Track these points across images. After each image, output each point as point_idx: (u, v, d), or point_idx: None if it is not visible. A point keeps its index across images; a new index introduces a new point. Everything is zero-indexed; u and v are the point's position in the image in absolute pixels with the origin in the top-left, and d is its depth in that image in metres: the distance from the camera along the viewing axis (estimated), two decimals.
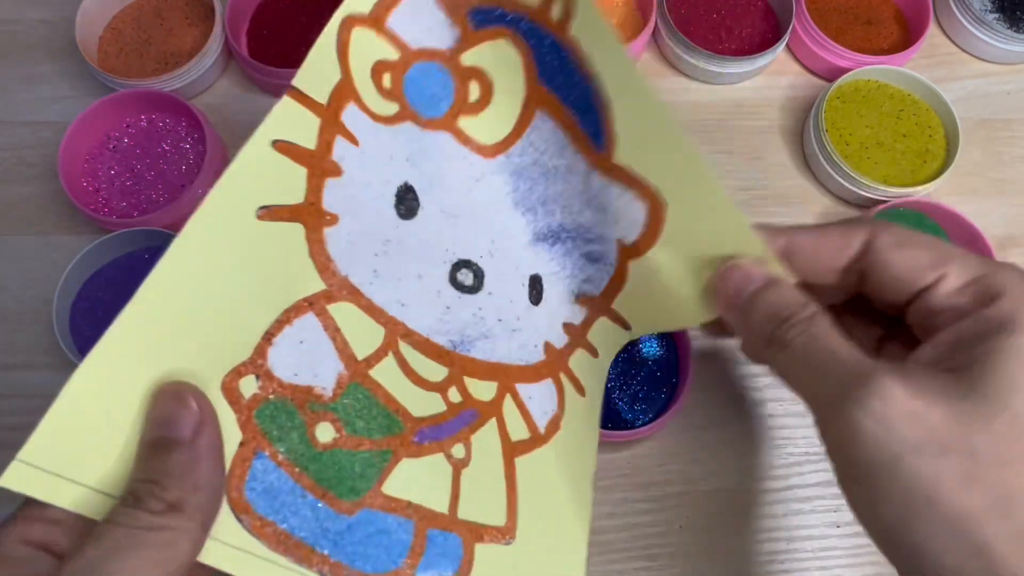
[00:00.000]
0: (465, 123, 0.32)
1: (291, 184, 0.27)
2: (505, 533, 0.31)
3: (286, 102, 0.27)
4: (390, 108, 0.31)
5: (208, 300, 0.25)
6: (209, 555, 0.24)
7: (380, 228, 0.30)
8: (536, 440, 0.33)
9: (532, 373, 0.34)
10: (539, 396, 0.34)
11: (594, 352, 0.35)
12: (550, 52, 0.31)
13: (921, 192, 0.47)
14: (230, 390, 0.26)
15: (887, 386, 0.23)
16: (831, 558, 0.41)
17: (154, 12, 0.50)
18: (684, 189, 0.29)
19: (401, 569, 0.27)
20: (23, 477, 0.22)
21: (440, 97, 0.32)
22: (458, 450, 0.31)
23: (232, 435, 0.25)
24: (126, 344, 0.24)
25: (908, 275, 0.27)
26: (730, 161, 0.49)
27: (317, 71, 0.28)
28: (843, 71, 0.49)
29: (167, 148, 0.46)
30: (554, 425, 0.34)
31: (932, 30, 0.53)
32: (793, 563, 0.41)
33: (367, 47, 0.30)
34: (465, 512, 0.30)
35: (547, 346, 0.34)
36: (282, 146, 0.27)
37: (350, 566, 0.26)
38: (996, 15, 0.53)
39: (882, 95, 0.50)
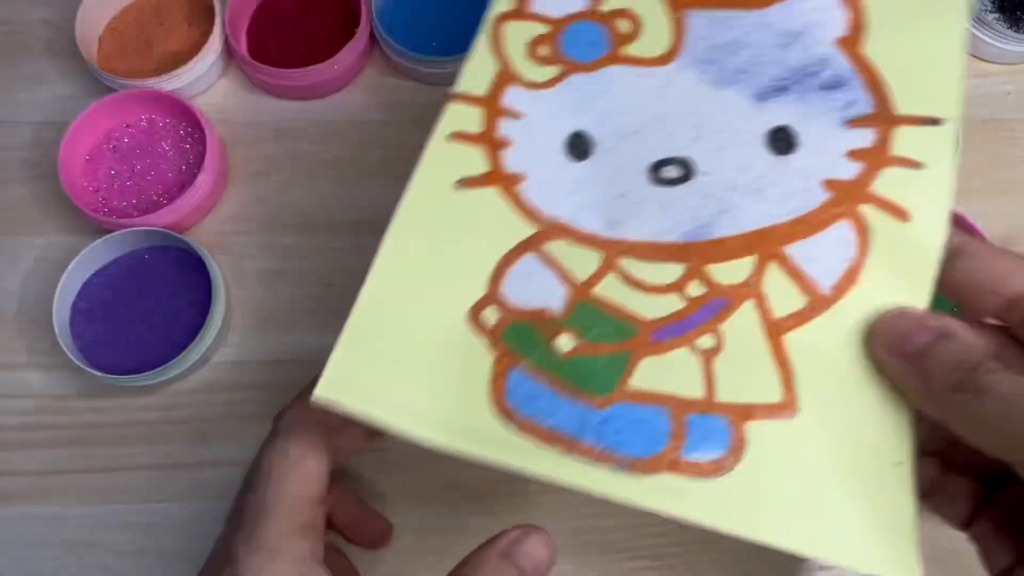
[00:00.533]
0: (628, 50, 0.36)
1: (474, 161, 0.34)
2: (782, 409, 0.31)
3: (450, 107, 0.34)
4: (550, 72, 0.36)
5: (436, 259, 0.32)
6: (483, 451, 0.29)
7: (563, 174, 0.34)
8: (816, 306, 0.32)
9: (810, 224, 0.32)
10: (823, 250, 0.32)
11: (911, 163, 0.32)
12: None
13: None
14: (475, 321, 0.32)
15: None
16: None
17: (154, 12, 0.50)
18: None
19: (666, 451, 0.30)
20: (333, 393, 0.29)
21: (596, 43, 0.36)
22: (705, 341, 0.32)
23: (485, 356, 0.31)
24: (381, 298, 0.31)
25: None
26: None
27: (474, 73, 0.35)
28: None
29: (167, 148, 0.46)
30: (849, 279, 0.32)
31: None
32: (794, 563, 0.40)
33: (518, 34, 0.36)
34: (725, 395, 0.31)
35: (830, 183, 0.33)
36: (455, 136, 0.34)
37: (616, 451, 0.29)
38: (996, 15, 0.53)
39: None
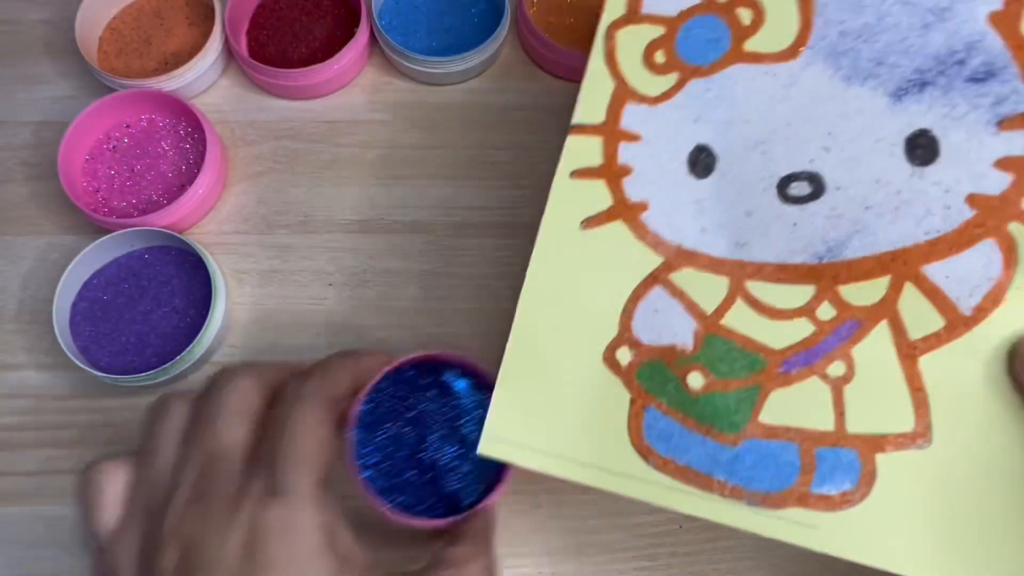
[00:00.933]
0: (750, 45, 0.34)
1: (598, 196, 0.34)
2: (915, 437, 0.30)
3: (570, 140, 0.35)
4: (668, 82, 0.35)
5: (570, 301, 0.33)
6: (627, 489, 0.31)
7: (687, 194, 0.34)
8: (955, 328, 0.31)
9: (950, 243, 0.31)
10: (963, 269, 0.31)
11: None
12: None
13: None
14: (610, 362, 0.32)
15: None
16: (832, 558, 0.41)
17: (154, 12, 0.50)
18: None
19: (795, 487, 0.30)
20: (491, 447, 0.31)
21: (716, 38, 0.35)
22: (836, 368, 0.31)
23: (622, 396, 0.32)
24: (525, 346, 0.33)
25: None
26: None
27: (591, 97, 0.35)
28: None
29: (167, 148, 0.46)
30: (992, 299, 0.30)
31: None
32: (793, 563, 0.41)
33: (633, 40, 0.35)
34: (856, 426, 0.31)
35: (974, 199, 0.31)
36: (577, 174, 0.34)
37: (747, 488, 0.30)
38: None
39: None
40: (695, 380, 0.32)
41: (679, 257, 0.33)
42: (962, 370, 0.30)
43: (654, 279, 0.33)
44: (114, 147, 0.46)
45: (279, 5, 0.50)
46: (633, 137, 0.35)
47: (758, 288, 0.32)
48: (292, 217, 0.46)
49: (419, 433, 0.34)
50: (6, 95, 0.49)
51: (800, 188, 0.33)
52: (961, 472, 0.29)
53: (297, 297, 0.44)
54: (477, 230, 0.46)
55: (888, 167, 0.32)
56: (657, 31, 0.35)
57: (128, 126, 0.47)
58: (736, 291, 0.33)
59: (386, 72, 0.50)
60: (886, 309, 0.31)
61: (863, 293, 0.31)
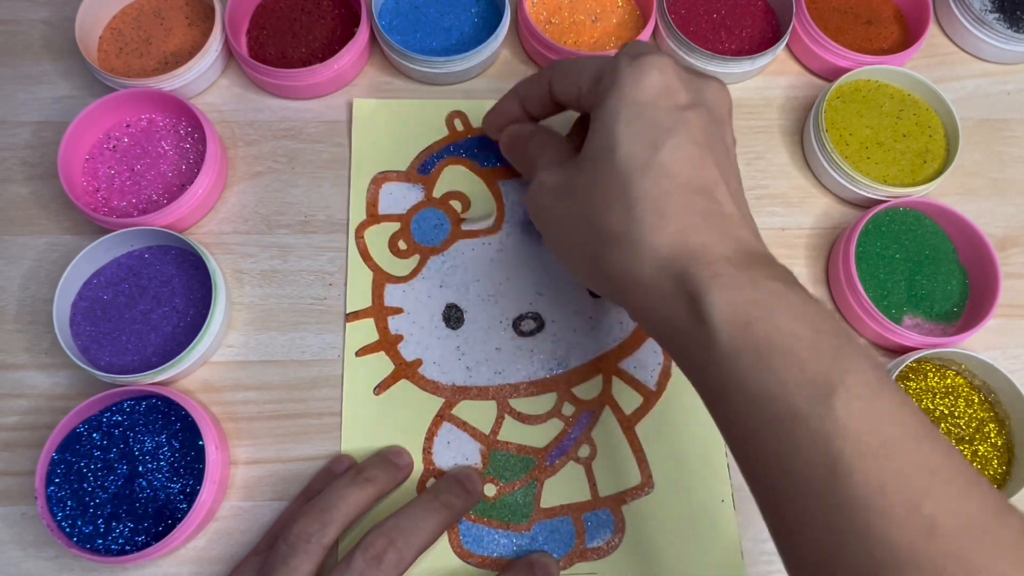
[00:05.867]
0: (466, 226, 0.45)
1: (381, 365, 0.43)
2: (643, 487, 0.41)
3: (348, 327, 0.43)
4: (413, 263, 0.44)
5: (389, 441, 0.42)
6: None
7: (449, 344, 0.43)
8: (650, 399, 0.43)
9: (629, 345, 0.44)
10: (642, 359, 0.43)
11: None
12: (479, 148, 0.47)
13: (921, 192, 0.47)
14: (424, 489, 0.40)
15: (540, 178, 0.36)
16: None
17: (154, 12, 0.50)
18: None
19: (575, 548, 0.40)
20: None
21: (440, 224, 0.45)
22: (583, 450, 0.42)
23: None
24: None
25: (566, 96, 0.37)
26: None
27: (355, 289, 0.44)
28: (843, 71, 0.49)
29: (167, 148, 0.46)
30: (665, 375, 0.43)
31: (932, 30, 0.53)
32: None
33: (379, 236, 0.45)
34: (605, 490, 0.41)
35: None
36: (360, 352, 0.43)
37: None
38: (996, 15, 0.53)
39: (882, 95, 0.50)
40: (489, 490, 0.41)
41: (456, 394, 0.42)
42: (662, 429, 0.42)
43: (441, 418, 0.42)
44: (114, 147, 0.46)
45: (279, 5, 0.50)
46: (397, 311, 0.43)
47: (518, 403, 0.42)
48: (292, 217, 0.46)
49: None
50: (6, 95, 0.49)
51: (528, 324, 0.43)
52: (677, 502, 0.41)
53: (297, 297, 0.44)
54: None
55: (580, 300, 0.44)
56: (395, 226, 0.45)
57: (128, 126, 0.47)
58: (503, 410, 0.42)
59: (386, 72, 0.50)
60: (606, 398, 0.42)
61: (588, 390, 0.42)
